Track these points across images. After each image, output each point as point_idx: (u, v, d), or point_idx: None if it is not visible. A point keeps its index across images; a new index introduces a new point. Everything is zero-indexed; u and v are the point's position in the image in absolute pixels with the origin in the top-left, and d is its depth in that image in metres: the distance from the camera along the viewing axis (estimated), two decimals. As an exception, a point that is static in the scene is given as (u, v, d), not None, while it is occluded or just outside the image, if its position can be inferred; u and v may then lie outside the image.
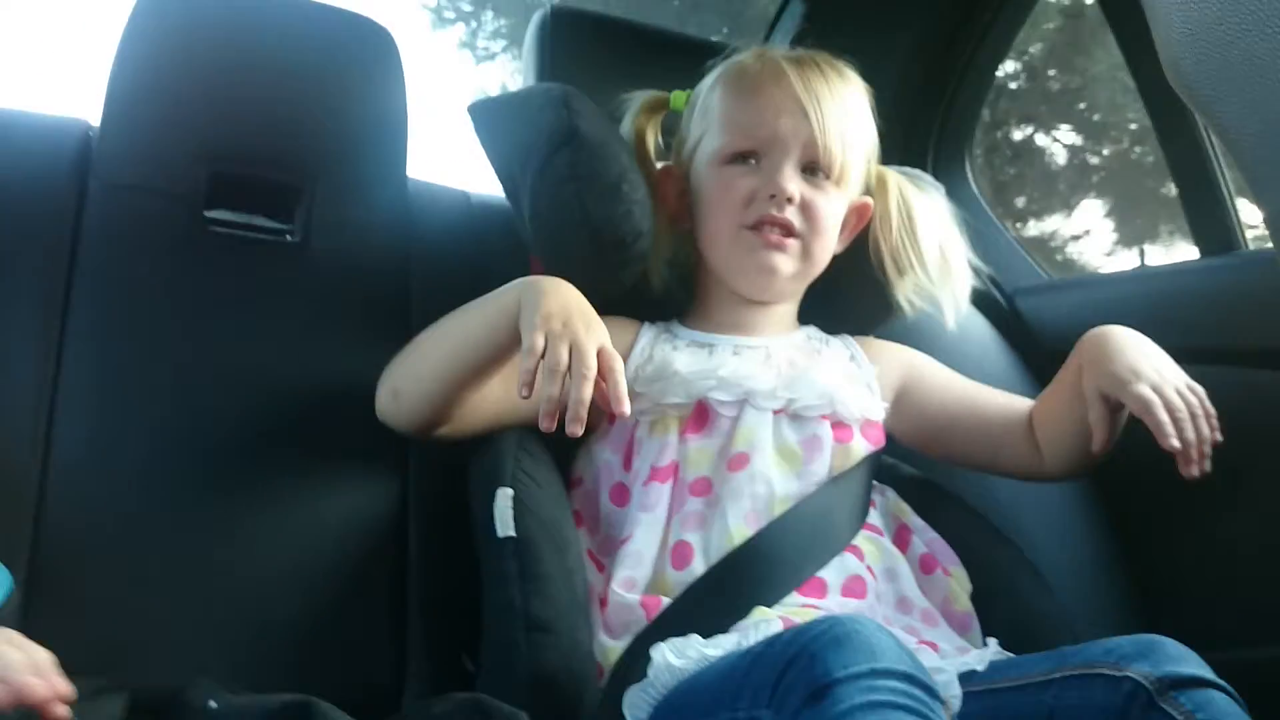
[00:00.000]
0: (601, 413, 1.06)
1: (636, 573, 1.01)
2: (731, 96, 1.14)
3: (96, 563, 1.03)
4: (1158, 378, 1.04)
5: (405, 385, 1.07)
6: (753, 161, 1.11)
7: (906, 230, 1.18)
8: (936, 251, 1.19)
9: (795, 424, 1.09)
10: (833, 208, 1.13)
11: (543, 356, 0.93)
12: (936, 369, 1.23)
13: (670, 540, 1.03)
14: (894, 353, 1.23)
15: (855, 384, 1.14)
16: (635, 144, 1.20)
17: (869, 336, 1.24)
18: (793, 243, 1.11)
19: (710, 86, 1.17)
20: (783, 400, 1.08)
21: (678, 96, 1.22)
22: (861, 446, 1.11)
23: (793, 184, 1.09)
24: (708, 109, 1.16)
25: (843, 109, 1.12)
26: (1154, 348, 1.08)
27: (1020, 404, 1.19)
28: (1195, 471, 1.01)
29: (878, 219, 1.19)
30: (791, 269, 1.12)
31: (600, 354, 0.94)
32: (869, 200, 1.19)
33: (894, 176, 1.21)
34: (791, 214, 1.10)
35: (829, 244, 1.14)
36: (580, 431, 0.91)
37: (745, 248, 1.11)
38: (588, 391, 0.91)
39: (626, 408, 0.93)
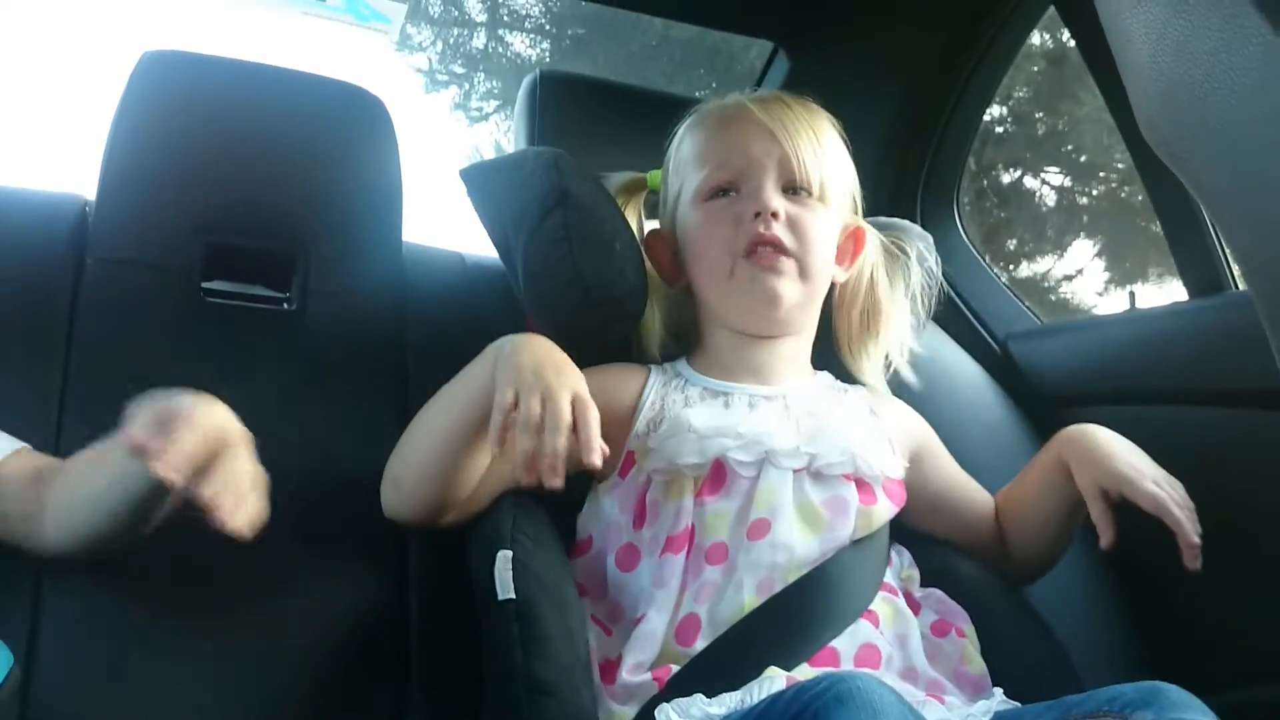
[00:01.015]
0: (612, 466, 1.07)
1: (645, 655, 0.99)
2: (701, 138, 1.15)
3: (94, 643, 1.02)
4: (1156, 474, 1.07)
5: (403, 475, 1.05)
6: (733, 193, 1.11)
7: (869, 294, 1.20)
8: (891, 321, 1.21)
9: (818, 483, 1.06)
10: (820, 222, 1.11)
11: (516, 408, 0.92)
12: (941, 449, 1.23)
13: (680, 613, 1.01)
14: (908, 418, 1.22)
15: (876, 440, 1.12)
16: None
17: (881, 392, 1.22)
18: (788, 263, 1.09)
19: (679, 140, 1.18)
20: (805, 458, 1.05)
21: (654, 176, 1.23)
22: (885, 508, 1.09)
23: (775, 200, 1.08)
24: (680, 161, 1.16)
25: (811, 131, 1.12)
26: (1134, 446, 1.10)
27: (991, 501, 1.21)
28: (1198, 566, 1.03)
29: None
30: (793, 293, 1.10)
31: (574, 402, 0.93)
32: (863, 225, 1.19)
33: (872, 235, 1.22)
34: (780, 230, 1.08)
35: (825, 261, 1.13)
36: (560, 484, 0.91)
37: (744, 280, 1.09)
38: (562, 443, 0.91)
39: (598, 458, 0.92)
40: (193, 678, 1.03)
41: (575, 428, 0.92)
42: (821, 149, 1.12)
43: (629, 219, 1.20)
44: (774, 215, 1.08)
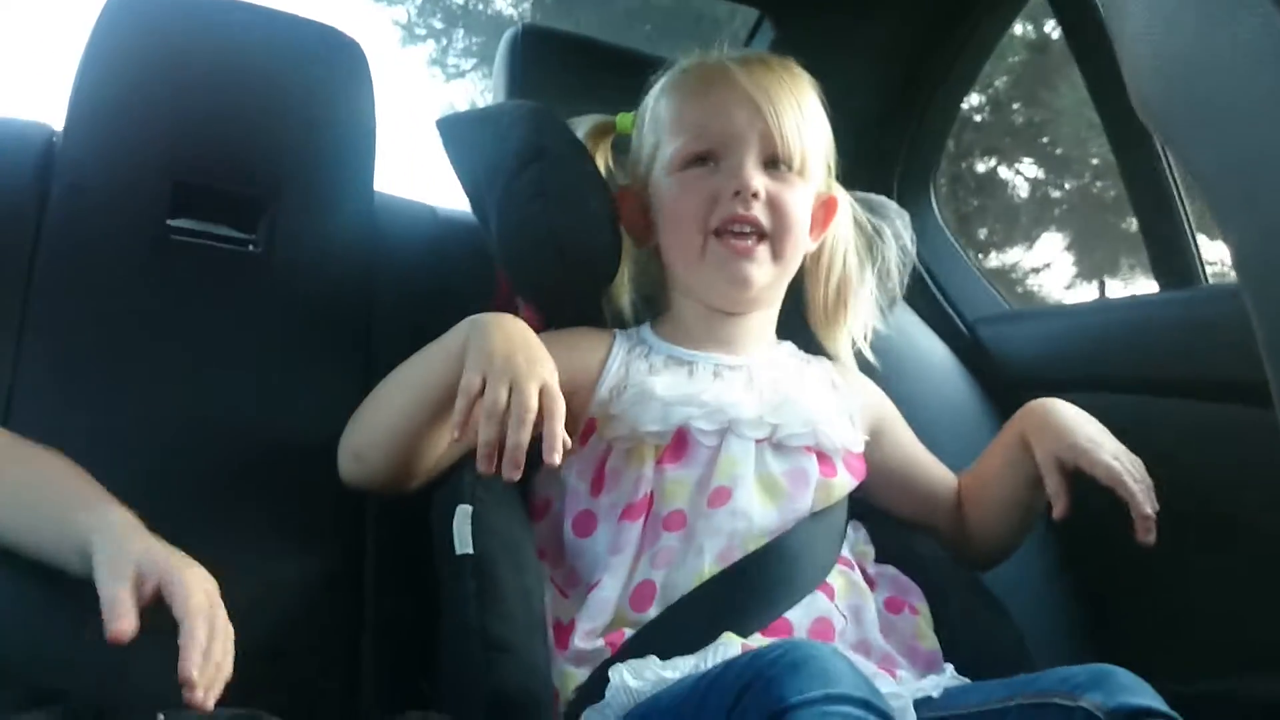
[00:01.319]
0: (571, 432, 1.05)
1: (598, 621, 0.98)
2: (680, 100, 1.11)
3: (32, 606, 0.99)
4: (1115, 448, 1.06)
5: (366, 446, 1.02)
6: (711, 163, 1.07)
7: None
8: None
9: (779, 454, 1.06)
10: (799, 200, 1.09)
11: (481, 395, 0.90)
12: (904, 427, 1.22)
13: (634, 579, 1.00)
14: (870, 392, 1.21)
15: (838, 413, 1.12)
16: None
17: (845, 365, 1.21)
18: (762, 248, 1.07)
19: (657, 96, 1.14)
20: (767, 428, 1.05)
21: (624, 119, 1.20)
22: (845, 481, 1.09)
23: (757, 179, 1.05)
24: (657, 119, 1.13)
25: (795, 100, 1.09)
26: (1094, 421, 1.10)
27: (954, 480, 1.21)
28: (1152, 539, 1.02)
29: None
30: (764, 275, 1.08)
31: (542, 393, 0.90)
32: (835, 194, 1.17)
33: (844, 205, 1.20)
34: (758, 210, 1.06)
35: (800, 240, 1.11)
36: (518, 477, 0.88)
37: (715, 261, 1.07)
38: (525, 435, 0.88)
39: (558, 458, 0.89)
40: (137, 640, 1.01)
41: (540, 419, 0.90)
42: (804, 120, 1.09)
43: (597, 163, 1.18)
44: (754, 195, 1.05)
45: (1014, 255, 6.58)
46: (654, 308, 1.18)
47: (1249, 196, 0.43)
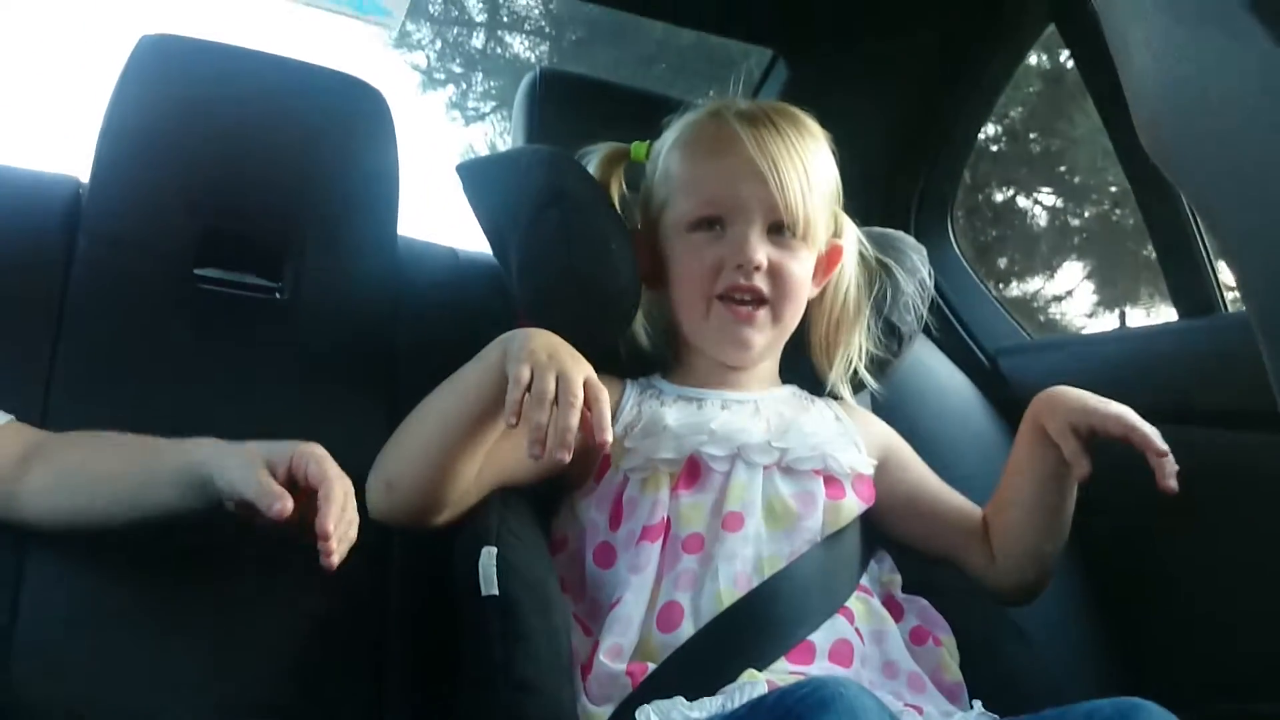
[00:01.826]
0: (588, 468, 1.07)
1: (624, 639, 0.99)
2: (690, 161, 1.13)
3: (76, 623, 1.01)
4: (1122, 408, 1.06)
5: (398, 473, 1.02)
6: (718, 228, 1.10)
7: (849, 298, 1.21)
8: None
9: (788, 478, 1.08)
10: (801, 267, 1.12)
11: (529, 388, 0.92)
12: (912, 456, 1.23)
13: (659, 601, 1.01)
14: (876, 426, 1.23)
15: (844, 439, 1.14)
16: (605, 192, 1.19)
17: (849, 404, 1.23)
18: (762, 313, 1.10)
19: (669, 149, 1.16)
20: (775, 454, 1.07)
21: (638, 148, 1.21)
22: (853, 504, 1.10)
23: (760, 252, 1.08)
24: (668, 173, 1.15)
25: (801, 164, 1.10)
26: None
27: (975, 512, 1.19)
28: (1174, 485, 1.01)
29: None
30: (764, 339, 1.12)
31: (586, 384, 0.93)
32: (839, 242, 1.19)
33: (850, 249, 1.21)
34: (760, 280, 1.09)
35: (800, 302, 1.14)
36: (568, 458, 0.90)
37: (717, 322, 1.11)
38: (574, 419, 0.90)
39: (609, 435, 0.92)
40: (170, 665, 1.02)
41: (587, 406, 0.92)
42: (810, 185, 1.10)
43: (611, 191, 1.20)
44: (756, 267, 1.08)
45: (1035, 284, 6.55)
46: (665, 350, 1.19)
47: (1256, 230, 0.43)
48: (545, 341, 0.96)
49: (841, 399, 1.22)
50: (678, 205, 1.13)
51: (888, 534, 1.19)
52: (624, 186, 1.23)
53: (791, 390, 1.20)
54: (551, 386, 0.91)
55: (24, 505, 0.98)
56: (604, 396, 0.94)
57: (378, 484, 1.03)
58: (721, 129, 1.12)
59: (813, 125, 1.15)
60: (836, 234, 1.19)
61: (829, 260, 1.18)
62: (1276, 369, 0.46)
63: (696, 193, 1.11)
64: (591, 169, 1.21)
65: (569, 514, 1.11)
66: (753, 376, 1.17)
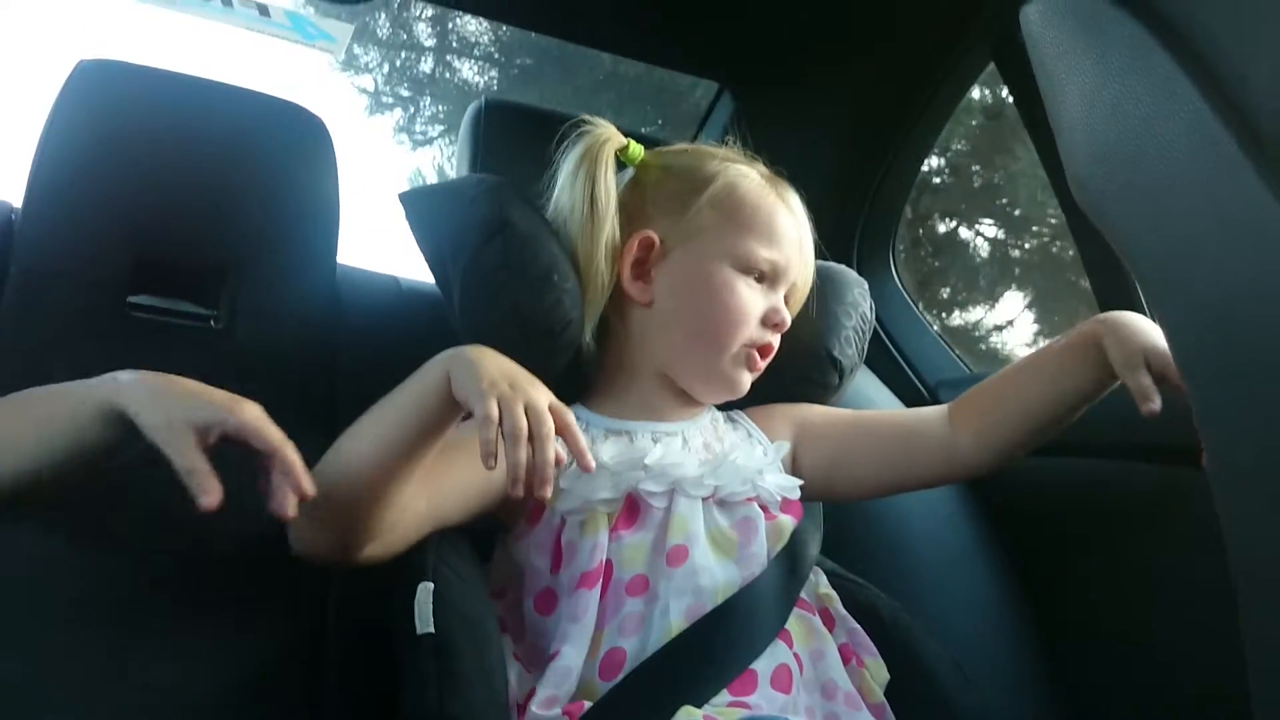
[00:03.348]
0: (520, 511, 1.06)
1: (560, 690, 0.96)
2: (764, 203, 1.15)
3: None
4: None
5: (326, 500, 0.94)
6: (763, 281, 1.14)
7: None
8: None
9: (724, 510, 1.08)
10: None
11: (500, 423, 0.88)
12: (818, 410, 1.24)
13: (601, 648, 0.99)
14: (780, 415, 1.23)
15: (769, 463, 1.15)
16: (589, 168, 1.15)
17: (754, 408, 1.24)
18: (764, 365, 1.16)
19: (718, 192, 1.15)
20: (709, 488, 1.08)
21: (635, 149, 1.19)
22: (788, 521, 1.11)
23: (787, 315, 1.16)
24: (732, 201, 1.14)
25: (812, 248, 1.20)
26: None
27: (923, 411, 1.22)
28: None
29: None
30: (747, 388, 1.16)
31: (553, 411, 0.90)
32: None
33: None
34: (777, 341, 1.16)
35: None
36: (549, 494, 0.88)
37: (733, 364, 1.14)
38: (552, 452, 0.88)
39: (592, 461, 0.91)
40: (100, 711, 0.99)
41: (561, 434, 0.90)
42: (813, 268, 1.22)
43: (597, 171, 1.15)
44: (783, 328, 1.15)
45: (976, 314, 6.65)
46: (592, 375, 1.18)
47: (1181, 279, 0.44)
48: (498, 367, 0.92)
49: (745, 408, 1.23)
50: (738, 238, 1.13)
51: (848, 494, 1.22)
52: (607, 175, 1.16)
53: (709, 415, 1.21)
54: (524, 421, 0.87)
55: None
56: (573, 420, 0.91)
57: (302, 513, 0.94)
58: (783, 196, 1.18)
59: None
60: None
61: None
62: (1198, 406, 0.47)
63: (763, 236, 1.14)
64: (583, 145, 1.17)
65: (505, 559, 1.08)
66: (685, 407, 1.17)
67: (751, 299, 1.13)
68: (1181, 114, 0.42)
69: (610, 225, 1.13)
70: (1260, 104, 0.40)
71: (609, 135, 1.18)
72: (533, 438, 0.87)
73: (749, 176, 1.17)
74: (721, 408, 1.23)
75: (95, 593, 1.00)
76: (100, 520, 1.05)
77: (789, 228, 1.16)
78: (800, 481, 1.16)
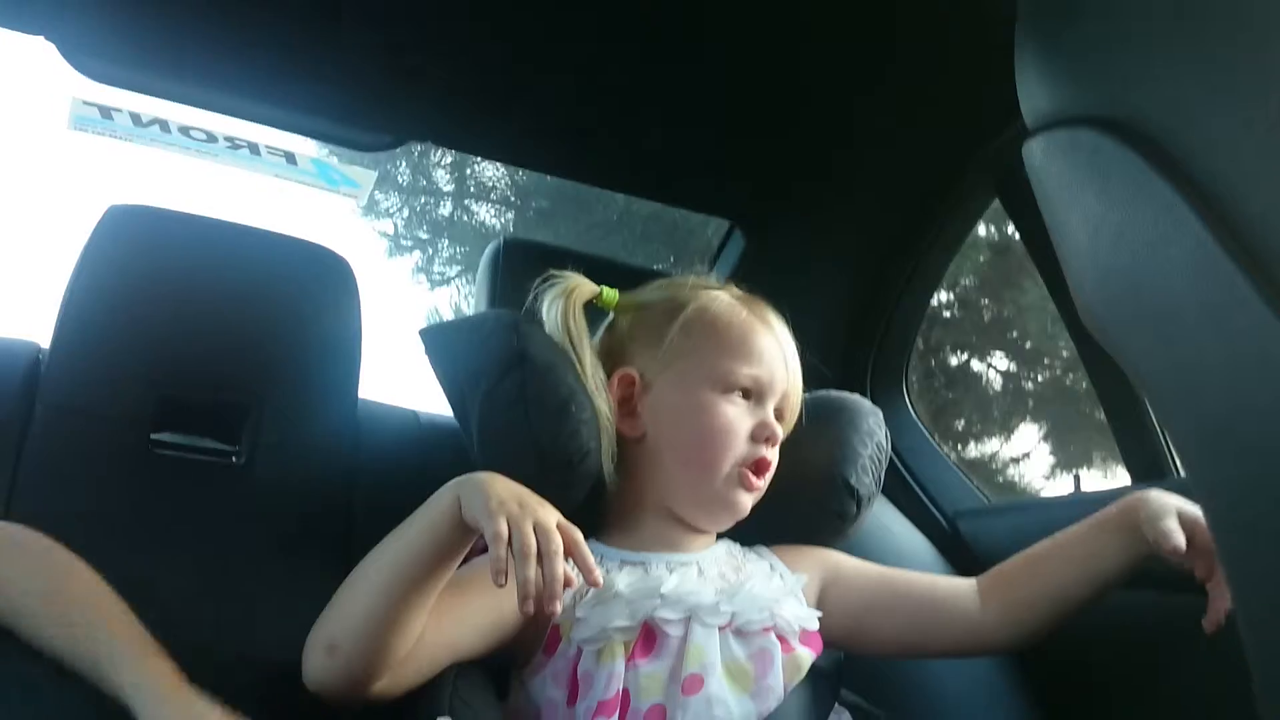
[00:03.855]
0: (536, 644, 1.05)
1: None
2: (740, 325, 1.17)
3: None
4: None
5: (340, 634, 0.96)
6: (749, 400, 1.15)
7: None
8: None
9: (741, 640, 1.07)
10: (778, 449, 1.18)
11: (509, 541, 0.89)
12: (852, 561, 1.24)
13: None
14: (809, 555, 1.23)
15: (787, 594, 1.14)
16: (563, 319, 1.18)
17: (781, 545, 1.24)
18: (762, 483, 1.15)
19: (704, 305, 1.18)
20: (726, 615, 1.06)
21: (610, 294, 1.23)
22: (807, 654, 1.09)
23: (778, 428, 1.16)
24: (708, 327, 1.17)
25: (797, 360, 1.20)
26: None
27: (953, 581, 1.22)
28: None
29: None
30: (749, 507, 1.16)
31: (561, 529, 0.92)
32: None
33: None
34: (772, 455, 1.15)
35: None
36: (559, 610, 0.89)
37: (729, 485, 1.13)
38: (560, 567, 0.89)
39: (600, 576, 0.93)
40: None
41: (569, 552, 0.91)
42: (800, 378, 1.20)
43: (569, 322, 1.19)
44: (775, 443, 1.15)
45: (992, 445, 6.63)
46: (604, 511, 1.19)
47: (1190, 399, 0.45)
48: (507, 489, 0.94)
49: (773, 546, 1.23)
50: (716, 359, 1.15)
51: (865, 650, 1.19)
52: (577, 320, 1.20)
53: (726, 546, 1.20)
54: (533, 539, 0.89)
55: None
56: (580, 538, 0.93)
57: (317, 648, 0.97)
58: (755, 311, 1.20)
59: None
60: None
61: None
62: (1212, 521, 0.47)
63: (744, 356, 1.15)
64: (552, 296, 1.21)
65: (521, 695, 1.06)
66: (695, 538, 1.17)
67: (735, 416, 1.14)
68: (1184, 240, 0.43)
69: (591, 367, 1.16)
70: (1260, 231, 0.41)
71: (577, 284, 1.22)
72: (541, 555, 0.89)
73: (718, 299, 1.20)
74: (746, 542, 1.22)
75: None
76: (137, 591, 1.05)
77: (767, 342, 1.17)
78: (820, 614, 1.15)
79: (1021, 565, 1.18)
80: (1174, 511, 1.06)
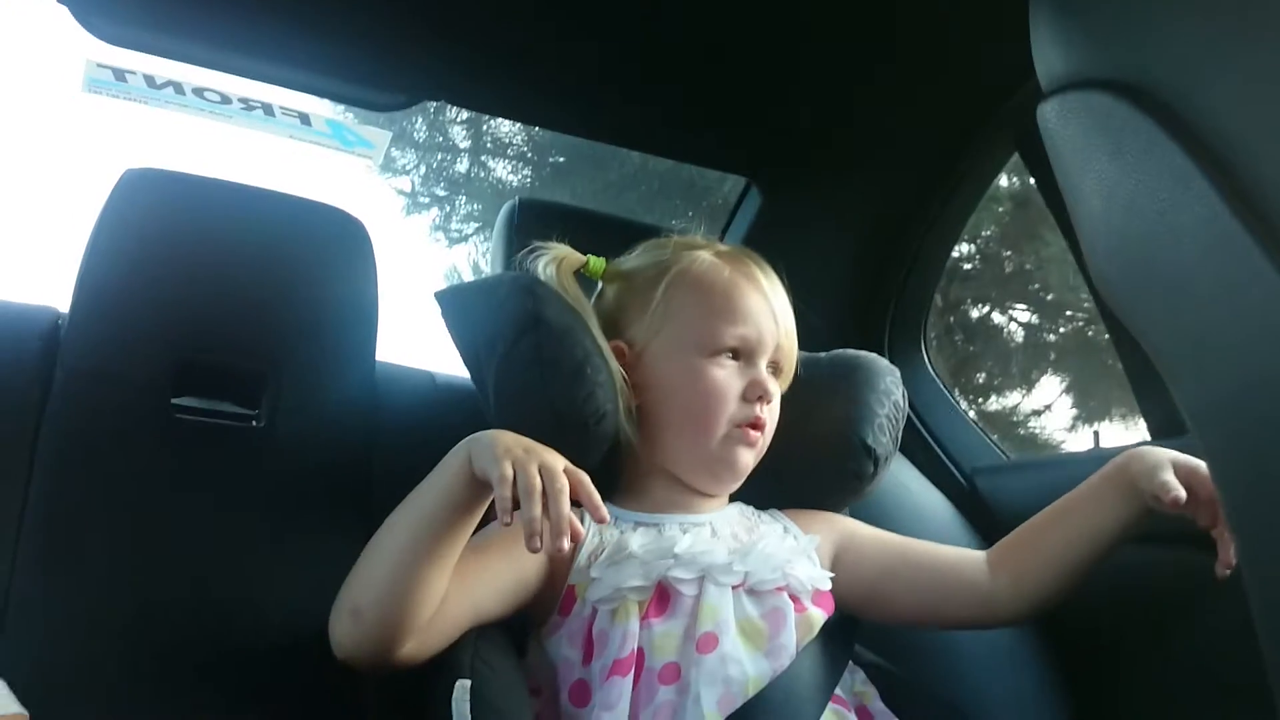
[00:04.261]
0: (552, 604, 1.06)
1: None
2: (717, 286, 1.17)
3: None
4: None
5: (365, 597, 0.97)
6: (738, 360, 1.15)
7: None
8: None
9: (754, 599, 1.08)
10: (779, 401, 1.18)
11: (514, 484, 0.91)
12: (866, 529, 1.24)
13: None
14: (823, 520, 1.24)
15: (800, 555, 1.14)
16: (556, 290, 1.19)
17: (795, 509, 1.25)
18: (761, 440, 1.16)
19: (677, 278, 1.18)
20: (739, 575, 1.08)
21: (596, 263, 1.23)
22: (819, 615, 1.10)
23: (773, 385, 1.16)
24: (688, 293, 1.17)
25: (790, 312, 1.19)
26: None
27: (965, 552, 1.21)
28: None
29: None
30: (752, 464, 1.17)
31: (567, 471, 0.93)
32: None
33: None
34: (766, 412, 1.15)
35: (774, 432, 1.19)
36: (568, 546, 0.90)
37: (725, 445, 1.14)
38: (566, 505, 0.90)
39: (605, 513, 0.94)
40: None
41: (576, 492, 0.93)
42: (793, 329, 1.19)
43: (566, 293, 1.20)
44: (769, 400, 1.15)
45: (1013, 398, 6.61)
46: (616, 475, 1.20)
47: (1197, 366, 0.45)
48: (515, 438, 0.97)
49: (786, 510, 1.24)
50: (698, 325, 1.15)
51: (877, 618, 1.20)
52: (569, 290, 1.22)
53: (738, 508, 1.21)
54: (538, 479, 0.91)
55: None
56: (587, 480, 0.94)
57: (343, 613, 0.99)
58: (738, 268, 1.19)
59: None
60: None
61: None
62: (1219, 480, 0.48)
63: (724, 318, 1.15)
64: (541, 266, 1.22)
65: (539, 655, 1.08)
66: (706, 499, 1.18)
67: (724, 379, 1.14)
68: (1196, 206, 0.43)
69: (596, 331, 1.17)
70: (1274, 196, 0.40)
71: (563, 255, 1.23)
72: (546, 495, 0.91)
73: (700, 259, 1.19)
74: (763, 505, 1.23)
75: (148, 630, 1.02)
76: (143, 621, 1.07)
77: (752, 299, 1.16)
78: (832, 574, 1.16)
79: (1025, 536, 1.18)
80: (1168, 464, 1.07)
